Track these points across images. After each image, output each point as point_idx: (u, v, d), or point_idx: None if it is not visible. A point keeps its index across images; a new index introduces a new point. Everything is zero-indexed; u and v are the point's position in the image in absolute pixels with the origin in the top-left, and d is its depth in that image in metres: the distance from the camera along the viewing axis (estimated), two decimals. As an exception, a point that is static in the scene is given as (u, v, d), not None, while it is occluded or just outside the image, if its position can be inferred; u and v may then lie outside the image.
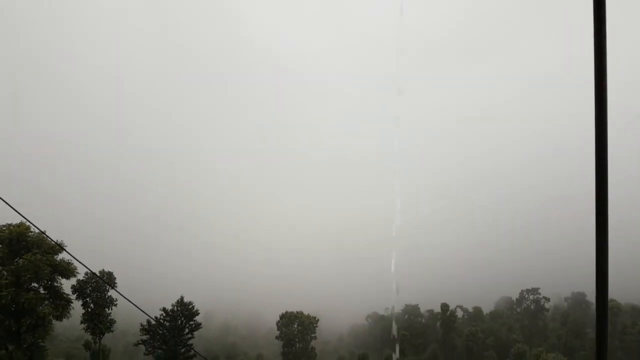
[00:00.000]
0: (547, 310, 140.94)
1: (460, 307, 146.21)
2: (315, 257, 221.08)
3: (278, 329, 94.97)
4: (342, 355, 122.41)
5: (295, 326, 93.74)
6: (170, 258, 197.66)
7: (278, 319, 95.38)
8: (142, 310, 12.82)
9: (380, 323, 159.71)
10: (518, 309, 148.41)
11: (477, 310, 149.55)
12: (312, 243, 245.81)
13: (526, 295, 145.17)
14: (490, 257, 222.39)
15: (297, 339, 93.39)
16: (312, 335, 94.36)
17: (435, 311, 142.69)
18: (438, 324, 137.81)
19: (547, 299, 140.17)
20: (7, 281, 30.38)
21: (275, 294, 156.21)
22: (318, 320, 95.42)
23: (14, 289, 30.07)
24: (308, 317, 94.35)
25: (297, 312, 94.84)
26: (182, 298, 49.76)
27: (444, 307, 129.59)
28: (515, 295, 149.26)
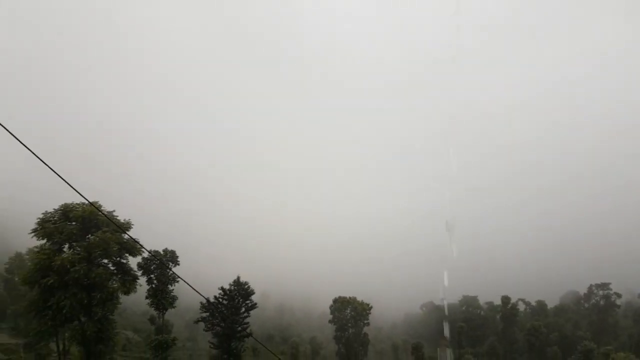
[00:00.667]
0: (619, 307, 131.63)
1: (523, 300, 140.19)
2: (371, 244, 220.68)
3: (331, 313, 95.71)
4: (396, 343, 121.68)
5: (348, 311, 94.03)
6: (230, 239, 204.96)
7: (331, 303, 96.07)
8: (196, 291, 13.21)
9: (435, 313, 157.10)
10: (586, 305, 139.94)
11: (541, 304, 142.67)
12: (368, 231, 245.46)
13: (595, 290, 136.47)
14: (556, 248, 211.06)
15: (349, 324, 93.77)
16: (365, 321, 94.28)
17: (495, 303, 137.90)
18: (498, 316, 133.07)
19: (619, 295, 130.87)
20: (79, 257, 32.48)
21: (330, 279, 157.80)
22: (371, 307, 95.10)
23: (85, 264, 32.12)
24: (361, 303, 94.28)
25: (350, 298, 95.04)
26: (238, 278, 51.04)
27: (505, 299, 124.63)
28: (583, 290, 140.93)
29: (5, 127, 6.78)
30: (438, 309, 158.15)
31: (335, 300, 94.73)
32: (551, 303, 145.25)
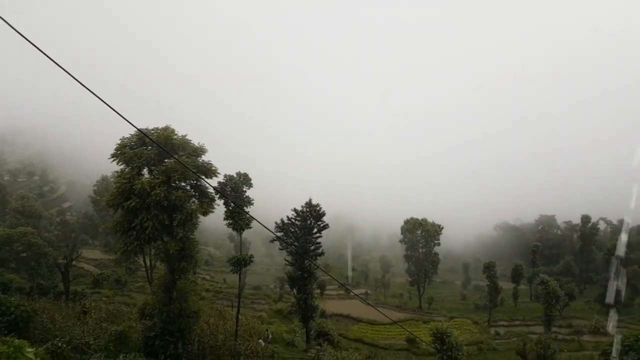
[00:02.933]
0: None
1: (604, 219, 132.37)
2: (444, 167, 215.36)
3: (402, 234, 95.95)
4: (467, 262, 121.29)
5: (419, 232, 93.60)
6: (304, 163, 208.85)
7: (402, 224, 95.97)
8: (259, 222, 12.01)
9: (509, 233, 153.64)
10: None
11: (623, 224, 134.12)
12: (440, 153, 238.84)
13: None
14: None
15: (420, 244, 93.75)
16: (436, 241, 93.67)
17: (574, 222, 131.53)
18: (576, 236, 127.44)
19: None
20: (159, 180, 32.67)
21: (403, 200, 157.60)
22: (442, 227, 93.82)
23: (165, 187, 32.34)
24: (433, 224, 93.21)
25: (421, 219, 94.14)
26: (310, 200, 50.88)
27: (585, 218, 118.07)
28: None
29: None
30: (513, 228, 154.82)
31: (407, 222, 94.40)
32: (634, 222, 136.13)
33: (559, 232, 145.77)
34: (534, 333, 67.62)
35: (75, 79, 8.08)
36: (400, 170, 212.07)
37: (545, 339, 50.13)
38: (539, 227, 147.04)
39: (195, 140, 36.16)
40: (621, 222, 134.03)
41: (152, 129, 35.62)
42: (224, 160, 38.10)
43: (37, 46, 7.41)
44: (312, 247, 50.14)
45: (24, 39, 7.25)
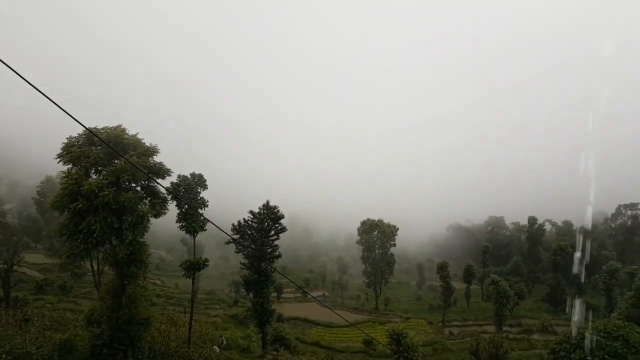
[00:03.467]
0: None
1: (549, 220, 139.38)
2: (398, 170, 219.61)
3: (358, 235, 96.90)
4: (421, 262, 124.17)
5: (376, 233, 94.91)
6: (259, 165, 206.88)
7: (359, 225, 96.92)
8: (217, 226, 11.68)
9: (460, 233, 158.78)
10: (612, 225, 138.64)
11: (567, 225, 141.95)
12: (396, 157, 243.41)
13: (623, 211, 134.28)
14: (584, 169, 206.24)
15: (376, 245, 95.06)
16: (392, 242, 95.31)
17: (521, 224, 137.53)
18: (524, 237, 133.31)
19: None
20: (107, 181, 31.29)
21: (357, 203, 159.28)
22: (398, 229, 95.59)
23: (114, 188, 31.01)
24: (388, 225, 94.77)
25: (377, 220, 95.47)
26: (267, 202, 50.42)
27: (532, 219, 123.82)
28: (611, 211, 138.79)
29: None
30: (464, 229, 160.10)
31: (363, 223, 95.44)
32: (578, 223, 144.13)
33: (507, 233, 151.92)
34: (487, 332, 69.94)
35: (18, 74, 7.53)
36: (356, 172, 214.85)
37: (497, 339, 51.87)
38: (489, 228, 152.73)
39: (151, 140, 35.06)
40: (565, 223, 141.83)
41: (102, 128, 34.19)
42: (179, 161, 37.15)
43: None
44: (269, 250, 49.70)
45: None
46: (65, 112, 8.43)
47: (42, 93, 8.18)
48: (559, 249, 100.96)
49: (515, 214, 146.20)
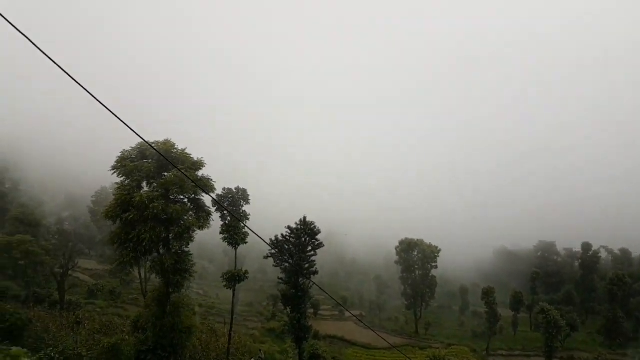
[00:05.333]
0: None
1: (605, 247, 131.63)
2: (442, 190, 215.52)
3: (397, 255, 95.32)
4: (465, 286, 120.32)
5: (416, 253, 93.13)
6: (298, 181, 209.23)
7: (397, 244, 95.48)
8: (258, 235, 12.31)
9: (508, 258, 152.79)
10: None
11: (625, 253, 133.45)
12: (439, 176, 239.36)
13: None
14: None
15: (416, 266, 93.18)
16: (433, 264, 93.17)
17: (574, 250, 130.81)
18: (577, 264, 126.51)
19: None
20: (157, 193, 33.04)
21: (398, 221, 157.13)
22: (440, 250, 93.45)
23: (163, 200, 32.66)
24: (429, 246, 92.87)
25: (417, 240, 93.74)
26: (304, 218, 50.94)
27: (586, 246, 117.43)
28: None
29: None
30: (511, 254, 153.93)
31: (402, 242, 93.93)
32: (637, 251, 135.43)
33: (559, 259, 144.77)
34: (535, 364, 66.63)
35: (81, 85, 8.42)
36: (398, 190, 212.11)
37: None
38: (538, 253, 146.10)
39: (196, 153, 36.76)
40: (623, 251, 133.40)
41: (153, 142, 36.08)
42: (220, 173, 38.47)
43: (45, 52, 7.60)
44: (307, 265, 50.04)
45: (31, 45, 7.44)
46: (127, 125, 9.19)
47: (105, 106, 8.98)
48: (616, 278, 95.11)
49: (567, 239, 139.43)
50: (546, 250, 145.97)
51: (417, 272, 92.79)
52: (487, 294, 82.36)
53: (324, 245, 53.11)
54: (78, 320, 44.06)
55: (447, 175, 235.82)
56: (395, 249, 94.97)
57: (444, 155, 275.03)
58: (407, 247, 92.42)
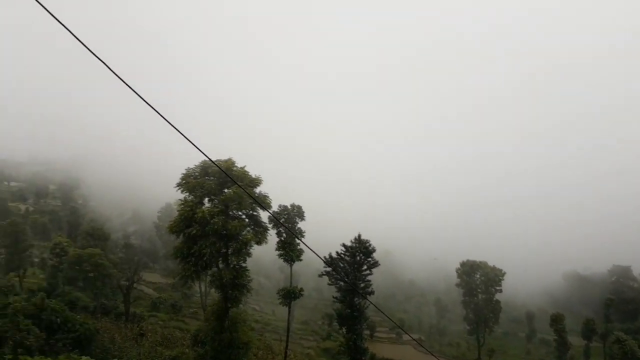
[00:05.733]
0: None
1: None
2: (506, 207, 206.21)
3: (458, 277, 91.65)
4: (532, 312, 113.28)
5: (478, 276, 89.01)
6: (355, 197, 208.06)
7: (458, 265, 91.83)
8: (313, 251, 12.03)
9: (579, 283, 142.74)
10: None
11: None
12: (503, 193, 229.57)
13: None
14: None
15: (479, 290, 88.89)
16: (497, 287, 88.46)
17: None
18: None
19: None
20: (217, 209, 33.94)
21: (458, 241, 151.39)
22: (504, 273, 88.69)
23: (223, 216, 33.47)
24: (493, 268, 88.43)
25: (480, 262, 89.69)
26: (359, 235, 50.17)
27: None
28: None
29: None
30: (582, 279, 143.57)
31: (463, 264, 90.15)
32: None
33: (635, 285, 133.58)
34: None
35: (149, 104, 8.57)
36: (459, 210, 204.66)
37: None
38: (613, 279, 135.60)
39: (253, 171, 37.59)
40: None
41: (215, 160, 37.35)
42: (276, 189, 38.94)
43: (112, 69, 7.79)
44: (362, 285, 49.08)
45: (97, 61, 7.68)
46: (193, 143, 9.29)
47: (172, 125, 9.18)
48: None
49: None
50: (621, 275, 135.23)
51: (479, 296, 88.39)
52: (556, 321, 76.93)
53: (379, 265, 51.98)
54: (141, 332, 45.69)
55: (512, 195, 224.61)
56: (457, 270, 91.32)
57: (506, 175, 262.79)
58: (469, 270, 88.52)
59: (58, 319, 33.65)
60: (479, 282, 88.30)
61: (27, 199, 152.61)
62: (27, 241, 70.50)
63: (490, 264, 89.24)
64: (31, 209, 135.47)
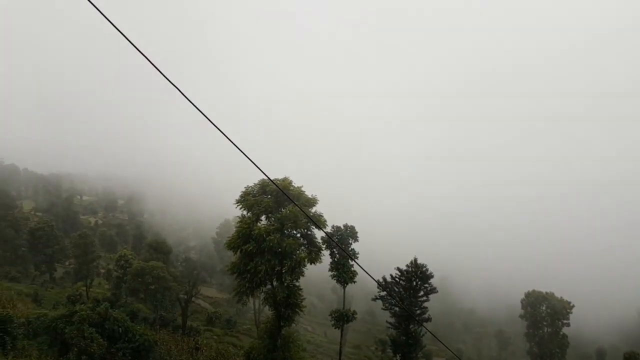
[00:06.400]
0: None
1: None
2: (574, 236, 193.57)
3: (522, 308, 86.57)
4: (602, 348, 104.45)
5: (544, 308, 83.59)
6: (411, 221, 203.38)
7: (523, 296, 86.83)
8: (367, 272, 11.66)
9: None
10: None
11: None
12: (571, 221, 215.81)
13: None
14: None
15: (545, 322, 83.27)
16: (565, 321, 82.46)
17: None
18: None
19: None
20: (274, 227, 34.32)
21: (523, 270, 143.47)
22: (573, 305, 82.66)
23: (279, 234, 33.79)
24: (560, 300, 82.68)
25: (546, 293, 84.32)
26: (415, 259, 48.74)
27: None
28: None
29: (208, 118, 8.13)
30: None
31: (528, 295, 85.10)
32: None
33: None
34: None
35: (215, 125, 8.73)
36: (523, 238, 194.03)
37: None
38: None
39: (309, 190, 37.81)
40: None
41: (274, 179, 38.08)
42: (330, 209, 38.82)
43: (176, 86, 7.96)
44: (418, 311, 47.46)
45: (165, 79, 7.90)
46: (253, 162, 9.39)
47: (235, 145, 9.31)
48: None
49: None
50: None
51: (545, 329, 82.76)
52: (630, 358, 70.09)
53: (437, 291, 50.13)
54: (197, 346, 46.60)
55: (581, 225, 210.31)
56: (521, 301, 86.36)
57: (574, 205, 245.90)
58: (535, 301, 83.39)
59: (120, 329, 34.95)
60: (544, 314, 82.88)
61: (97, 213, 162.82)
62: (95, 252, 74.59)
63: (558, 295, 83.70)
64: (100, 222, 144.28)
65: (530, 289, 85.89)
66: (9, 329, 29.08)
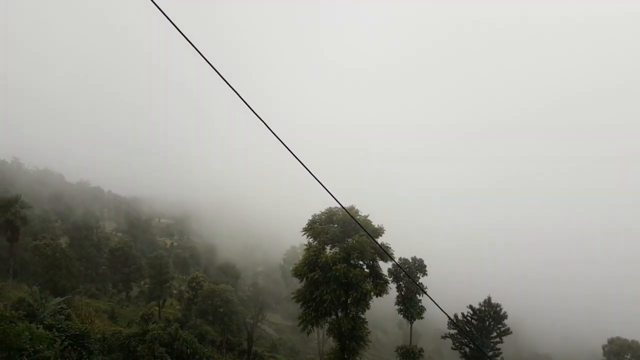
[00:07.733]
0: None
1: None
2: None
3: (604, 355, 78.83)
4: None
5: (629, 357, 75.64)
6: (486, 259, 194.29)
7: (606, 342, 79.17)
8: (438, 306, 11.47)
9: None
10: None
11: None
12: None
13: None
14: None
15: (633, 373, 75.04)
16: (654, 373, 73.83)
17: None
18: None
19: None
20: (340, 257, 34.50)
21: (605, 316, 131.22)
22: (666, 357, 73.95)
23: (345, 264, 33.91)
24: (649, 349, 74.40)
25: (631, 341, 76.47)
26: (489, 298, 46.47)
27: None
28: None
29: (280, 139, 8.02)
30: None
31: (611, 342, 77.56)
32: None
33: None
34: None
35: (293, 154, 9.29)
36: (603, 280, 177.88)
37: None
38: None
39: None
40: None
41: (336, 207, 38.46)
42: (396, 240, 38.23)
43: (263, 120, 8.54)
44: (491, 353, 44.96)
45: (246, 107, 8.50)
46: (326, 188, 9.83)
47: (309, 171, 9.83)
48: None
49: None
50: None
51: (633, 382, 74.62)
52: None
53: (511, 332, 47.35)
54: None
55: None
56: (603, 348, 78.81)
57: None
58: (619, 349, 75.73)
59: (188, 350, 36.29)
60: (631, 364, 74.91)
61: (173, 235, 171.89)
62: (169, 273, 78.27)
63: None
64: (175, 244, 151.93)
65: (615, 336, 78.41)
66: (87, 344, 30.53)
